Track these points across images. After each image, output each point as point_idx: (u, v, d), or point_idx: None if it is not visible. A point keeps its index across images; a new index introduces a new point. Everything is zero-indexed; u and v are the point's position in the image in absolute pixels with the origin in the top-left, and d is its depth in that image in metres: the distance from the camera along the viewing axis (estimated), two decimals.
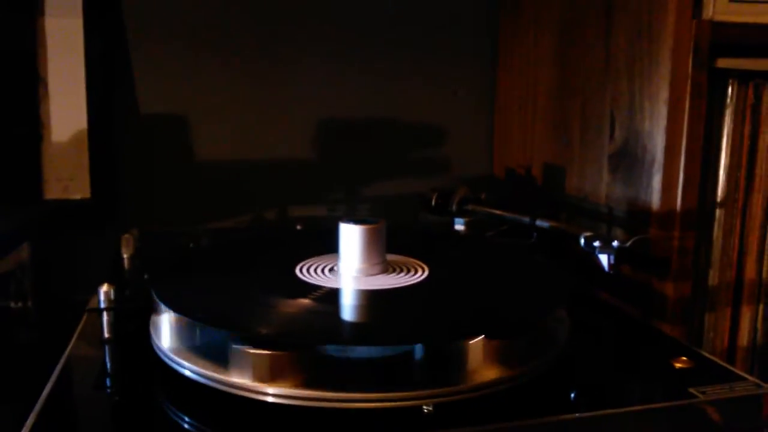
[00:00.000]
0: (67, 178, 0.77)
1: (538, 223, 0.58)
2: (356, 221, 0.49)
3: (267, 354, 0.37)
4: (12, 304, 0.78)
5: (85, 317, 0.54)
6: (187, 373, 0.40)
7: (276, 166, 0.83)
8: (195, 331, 0.41)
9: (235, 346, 0.38)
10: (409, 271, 0.50)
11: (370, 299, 0.45)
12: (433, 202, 0.68)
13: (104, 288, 0.49)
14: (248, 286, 0.47)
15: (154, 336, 0.44)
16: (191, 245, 0.70)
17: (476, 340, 0.37)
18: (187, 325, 0.41)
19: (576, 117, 0.70)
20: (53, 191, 0.76)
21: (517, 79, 0.81)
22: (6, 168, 0.74)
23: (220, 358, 0.39)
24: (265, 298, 0.44)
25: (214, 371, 0.39)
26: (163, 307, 0.42)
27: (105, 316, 0.49)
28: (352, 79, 0.83)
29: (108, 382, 0.45)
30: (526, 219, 0.59)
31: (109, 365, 0.47)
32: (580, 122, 0.69)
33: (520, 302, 0.45)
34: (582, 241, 0.51)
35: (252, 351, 0.37)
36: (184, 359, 0.40)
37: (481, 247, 0.61)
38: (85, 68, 0.75)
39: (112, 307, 0.49)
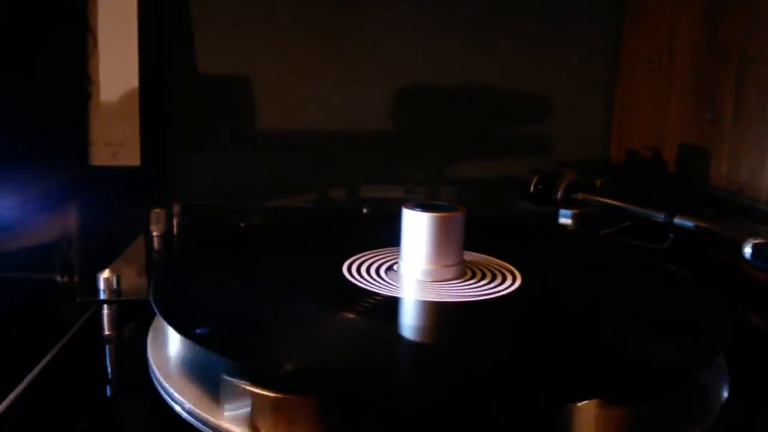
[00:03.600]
0: (116, 143, 0.69)
1: (677, 221, 0.42)
2: (426, 207, 0.37)
3: (272, 396, 0.25)
4: (58, 279, 0.72)
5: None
6: (177, 408, 0.29)
7: (348, 139, 0.72)
8: (191, 352, 0.30)
9: (228, 378, 0.26)
10: (494, 278, 0.37)
11: (435, 318, 0.33)
12: (532, 188, 0.54)
13: (105, 274, 0.40)
14: (277, 286, 0.36)
15: (149, 347, 0.33)
16: (242, 224, 0.61)
17: (587, 403, 0.24)
18: (181, 342, 0.30)
19: (728, 86, 0.54)
20: (101, 157, 0.69)
21: (648, 39, 0.66)
22: (50, 128, 0.66)
23: (216, 392, 0.27)
24: (293, 308, 0.32)
25: (206, 411, 0.27)
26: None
27: (105, 310, 0.40)
28: (441, 40, 0.71)
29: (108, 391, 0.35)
30: (660, 215, 0.44)
31: (109, 370, 0.38)
32: (734, 92, 0.53)
33: (657, 342, 0.31)
34: (748, 250, 0.36)
35: (252, 390, 0.26)
36: (174, 387, 0.29)
37: (594, 250, 0.47)
38: (138, 20, 0.66)
39: (114, 299, 0.39)
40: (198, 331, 0.29)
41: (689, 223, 0.42)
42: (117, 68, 0.67)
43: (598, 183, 0.53)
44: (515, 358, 0.28)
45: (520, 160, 0.70)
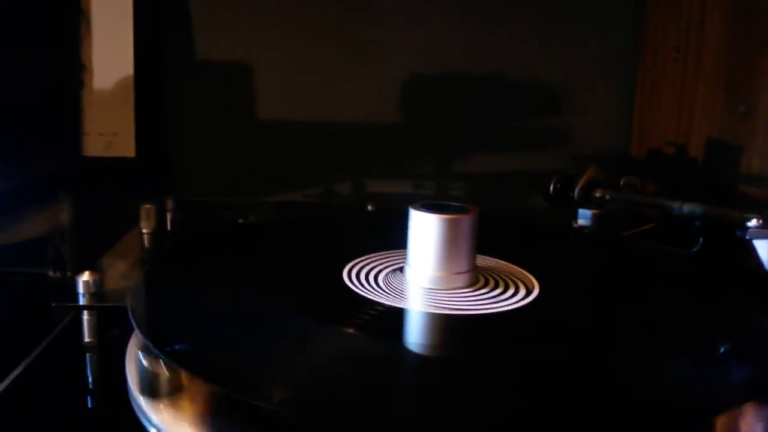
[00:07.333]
0: (110, 133, 0.65)
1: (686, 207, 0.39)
2: (435, 207, 0.33)
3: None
4: (50, 274, 0.69)
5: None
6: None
7: (353, 130, 0.68)
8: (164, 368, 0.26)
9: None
10: (507, 286, 0.33)
11: (443, 333, 0.29)
12: (551, 188, 0.50)
13: (84, 277, 0.36)
14: (269, 294, 0.32)
15: (127, 362, 0.30)
16: (240, 220, 0.58)
17: None
18: (155, 356, 0.27)
19: (764, 76, 0.49)
20: (94, 147, 0.66)
21: (674, 25, 0.61)
22: (41, 116, 0.63)
23: None
24: (282, 320, 0.29)
25: None
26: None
27: (85, 315, 0.37)
28: (451, 28, 0.67)
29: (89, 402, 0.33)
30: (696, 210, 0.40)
31: (90, 380, 0.35)
32: None
33: (707, 372, 0.27)
34: None
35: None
36: (149, 407, 0.26)
37: (621, 255, 0.43)
38: (133, 2, 0.63)
39: (93, 305, 0.36)
40: (176, 347, 0.25)
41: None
42: (111, 54, 0.64)
43: (621, 181, 0.49)
44: (534, 391, 0.25)
45: (532, 155, 0.66)
